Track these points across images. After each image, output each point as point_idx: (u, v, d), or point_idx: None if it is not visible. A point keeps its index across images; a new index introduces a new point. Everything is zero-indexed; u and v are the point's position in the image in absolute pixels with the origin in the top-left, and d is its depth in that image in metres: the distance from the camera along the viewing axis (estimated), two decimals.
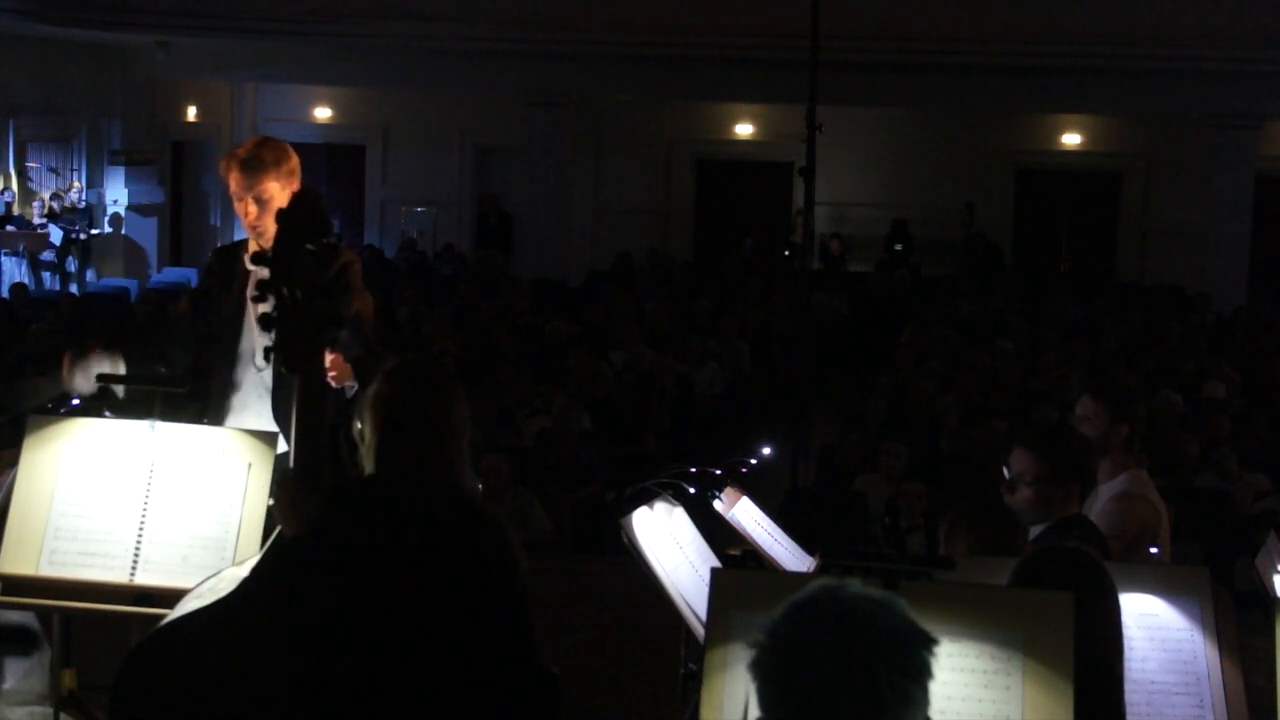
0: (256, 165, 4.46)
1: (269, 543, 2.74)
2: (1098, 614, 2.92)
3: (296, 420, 2.75)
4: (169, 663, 2.58)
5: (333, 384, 4.19)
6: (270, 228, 4.58)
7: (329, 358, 4.13)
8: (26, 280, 16.64)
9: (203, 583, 2.78)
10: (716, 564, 4.07)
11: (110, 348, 4.21)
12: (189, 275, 17.24)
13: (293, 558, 2.64)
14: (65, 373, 4.14)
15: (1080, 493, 4.18)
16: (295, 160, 4.60)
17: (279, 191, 4.50)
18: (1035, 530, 4.11)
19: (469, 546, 2.66)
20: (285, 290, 2.69)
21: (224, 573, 2.80)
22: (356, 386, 4.24)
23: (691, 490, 4.38)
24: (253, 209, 4.40)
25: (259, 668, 2.51)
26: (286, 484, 2.76)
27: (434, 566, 2.62)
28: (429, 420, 2.88)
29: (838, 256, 19.07)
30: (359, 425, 2.94)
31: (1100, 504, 4.49)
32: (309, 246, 2.76)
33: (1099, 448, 4.46)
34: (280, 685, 2.50)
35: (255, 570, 2.68)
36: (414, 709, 2.54)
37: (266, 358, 2.71)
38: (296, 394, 2.75)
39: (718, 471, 4.60)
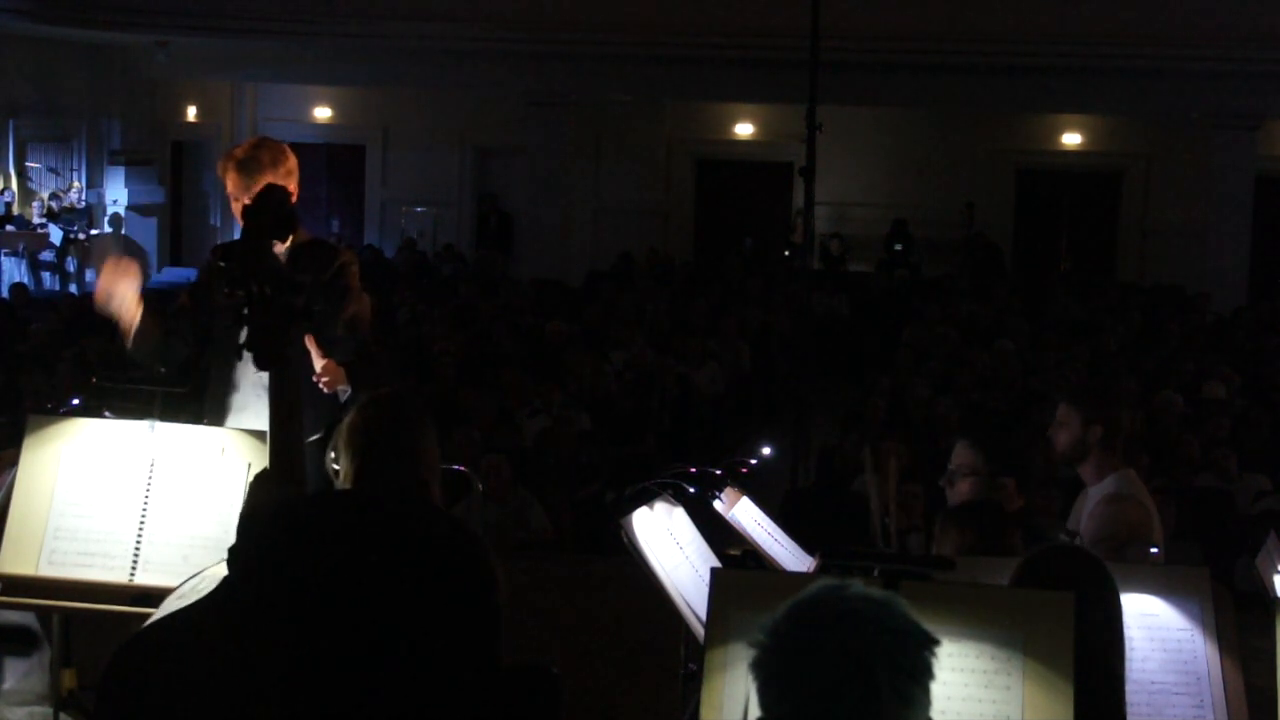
0: (254, 166, 4.46)
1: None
2: (1099, 614, 2.92)
3: (270, 415, 2.74)
4: (153, 664, 2.57)
5: (325, 389, 4.17)
6: None
7: (321, 363, 4.12)
8: (26, 280, 16.65)
9: (185, 582, 2.77)
10: (716, 564, 4.06)
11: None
12: (189, 275, 17.20)
13: (270, 559, 2.63)
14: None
15: (1018, 486, 4.23)
16: (293, 161, 4.60)
17: None
18: None
19: (446, 559, 2.66)
20: (254, 286, 2.68)
21: (205, 572, 2.80)
22: (350, 390, 4.22)
23: (691, 490, 4.38)
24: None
25: (242, 669, 2.50)
26: (261, 479, 2.76)
27: (411, 576, 2.62)
28: (402, 449, 2.97)
29: (838, 256, 19.07)
30: (333, 455, 3.00)
31: (1090, 506, 4.50)
32: (278, 241, 2.77)
33: (1077, 452, 4.48)
34: (262, 686, 2.49)
35: (235, 570, 2.66)
36: (385, 712, 2.54)
37: (239, 355, 2.71)
38: (269, 389, 2.74)
39: (718, 471, 4.60)
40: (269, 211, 2.74)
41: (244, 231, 2.73)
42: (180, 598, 2.69)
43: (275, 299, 2.68)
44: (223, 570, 2.70)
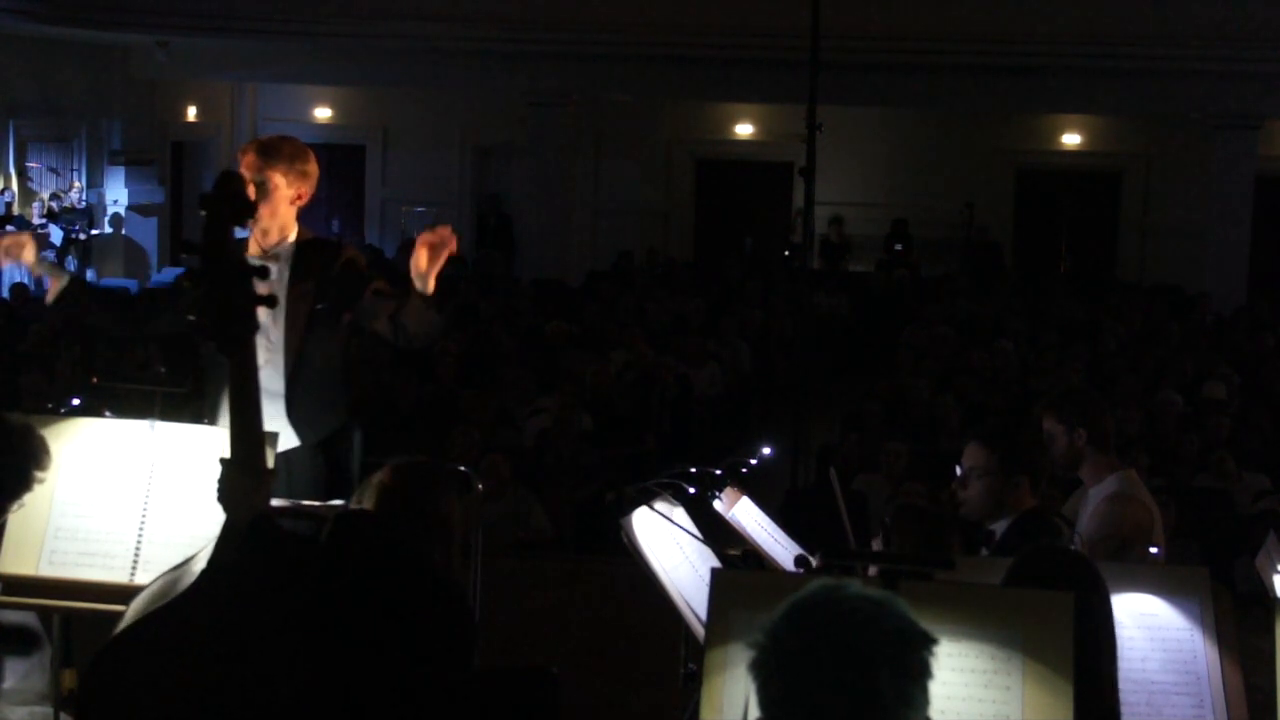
0: (272, 152, 4.60)
1: (220, 536, 2.69)
2: (1087, 616, 2.92)
3: (231, 404, 2.74)
4: (139, 666, 2.56)
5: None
6: (266, 220, 4.64)
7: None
8: (26, 280, 16.63)
9: (153, 583, 2.76)
10: (716, 564, 4.06)
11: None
12: None
13: (250, 565, 2.62)
14: None
15: (1031, 486, 4.22)
16: (313, 165, 4.71)
17: (284, 187, 4.62)
18: (1001, 525, 4.14)
19: (424, 576, 2.67)
20: (217, 274, 2.68)
21: (164, 577, 2.78)
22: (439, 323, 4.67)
23: (691, 490, 4.38)
24: (251, 191, 4.44)
25: (226, 668, 2.50)
26: (226, 471, 2.74)
27: (394, 587, 2.63)
28: (421, 518, 3.10)
29: (838, 244, 19.04)
30: (358, 501, 3.11)
31: (1091, 506, 4.50)
32: (240, 227, 2.77)
33: (1071, 459, 4.50)
34: (245, 688, 2.49)
35: (214, 563, 2.64)
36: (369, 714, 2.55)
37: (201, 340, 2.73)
38: (229, 378, 2.73)
39: (718, 471, 4.60)
40: (227, 199, 2.73)
41: (205, 220, 2.72)
42: (161, 596, 2.67)
43: (235, 284, 2.67)
44: (196, 566, 2.68)
